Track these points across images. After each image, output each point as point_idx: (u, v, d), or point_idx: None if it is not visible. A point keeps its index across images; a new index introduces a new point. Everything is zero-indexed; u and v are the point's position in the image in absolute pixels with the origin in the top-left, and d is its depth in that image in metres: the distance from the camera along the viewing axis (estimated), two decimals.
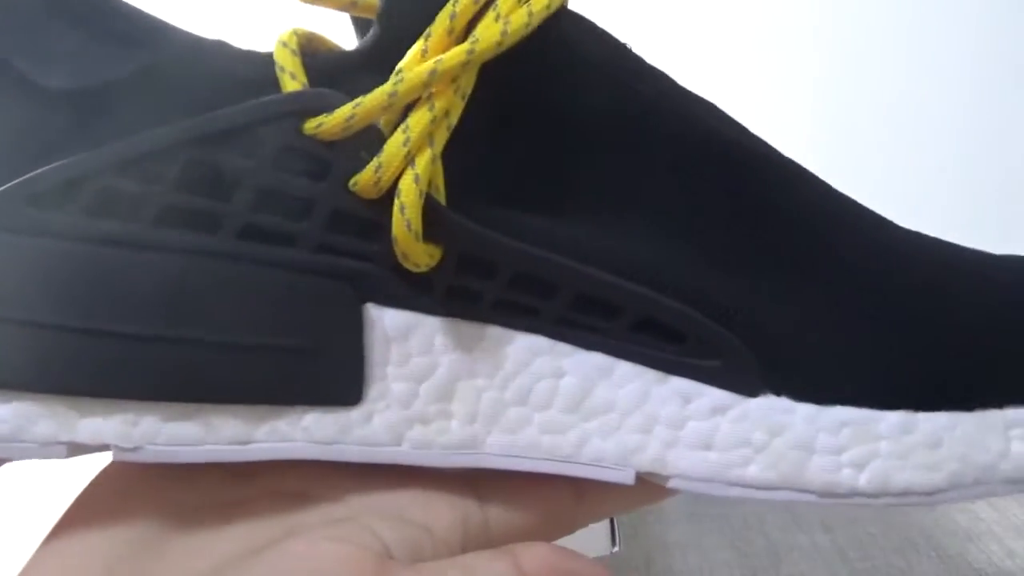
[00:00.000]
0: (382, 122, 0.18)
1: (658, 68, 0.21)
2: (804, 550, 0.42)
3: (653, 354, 0.19)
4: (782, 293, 0.19)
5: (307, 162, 0.18)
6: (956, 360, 0.19)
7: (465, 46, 0.18)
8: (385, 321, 0.19)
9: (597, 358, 0.19)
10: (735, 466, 0.19)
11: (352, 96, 0.18)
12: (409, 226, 0.17)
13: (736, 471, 0.19)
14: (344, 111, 0.17)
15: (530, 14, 0.18)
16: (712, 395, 0.19)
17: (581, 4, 0.21)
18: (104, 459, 0.19)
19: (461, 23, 0.18)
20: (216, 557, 0.17)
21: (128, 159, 0.17)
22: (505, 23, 0.18)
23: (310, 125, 0.18)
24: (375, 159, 0.18)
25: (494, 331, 0.19)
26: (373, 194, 0.18)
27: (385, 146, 0.18)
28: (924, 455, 0.18)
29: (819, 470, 0.18)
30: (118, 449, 0.17)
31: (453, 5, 0.18)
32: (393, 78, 0.18)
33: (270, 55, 0.19)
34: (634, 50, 0.21)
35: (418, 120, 0.18)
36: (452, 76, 0.18)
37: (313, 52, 0.20)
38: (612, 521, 0.48)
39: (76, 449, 0.17)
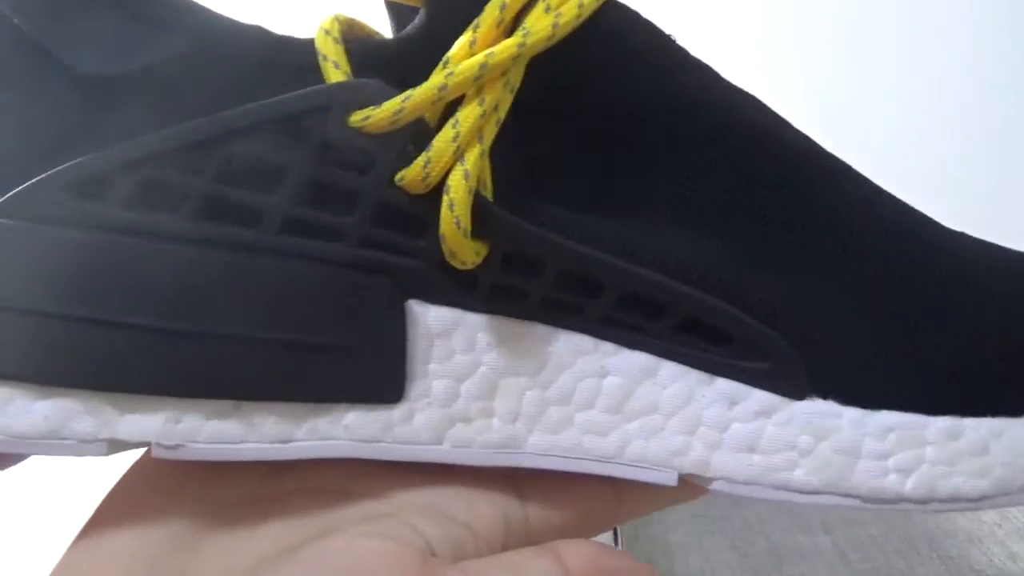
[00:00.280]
0: (428, 115, 0.18)
1: (702, 60, 0.21)
2: (805, 552, 0.42)
3: (698, 355, 0.19)
4: (828, 294, 0.19)
5: (352, 155, 0.17)
6: (1004, 365, 0.19)
7: (516, 39, 0.17)
8: (428, 318, 0.18)
9: (641, 358, 0.19)
10: (780, 470, 0.18)
11: (398, 87, 0.17)
12: (458, 223, 0.17)
13: (781, 475, 0.18)
14: (393, 104, 0.17)
15: (580, 5, 0.18)
16: (758, 397, 0.19)
17: None
18: (132, 456, 0.19)
19: (510, 14, 0.18)
20: (254, 555, 0.17)
21: (168, 150, 0.17)
22: (556, 15, 0.17)
23: (356, 117, 0.17)
24: (424, 154, 0.17)
25: (538, 329, 0.19)
26: (420, 189, 0.17)
27: (434, 141, 0.17)
28: (971, 461, 0.18)
29: (865, 475, 0.18)
30: (159, 447, 0.17)
31: None
32: (443, 71, 0.17)
33: (310, 42, 0.19)
34: (678, 42, 0.21)
35: (468, 114, 0.17)
36: (502, 70, 0.17)
37: (354, 39, 0.19)
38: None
39: (116, 446, 0.17)
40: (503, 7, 0.17)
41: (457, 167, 0.17)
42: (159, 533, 0.17)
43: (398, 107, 0.17)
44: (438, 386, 0.18)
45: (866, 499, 0.18)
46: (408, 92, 0.17)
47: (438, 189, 0.17)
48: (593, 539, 0.19)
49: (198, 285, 0.17)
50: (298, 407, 0.18)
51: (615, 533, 0.46)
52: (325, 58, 0.18)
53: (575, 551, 0.17)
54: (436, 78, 0.17)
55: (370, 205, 0.18)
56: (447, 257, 0.17)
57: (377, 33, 0.21)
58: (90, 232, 0.17)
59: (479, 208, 0.17)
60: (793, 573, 0.42)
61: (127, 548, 0.17)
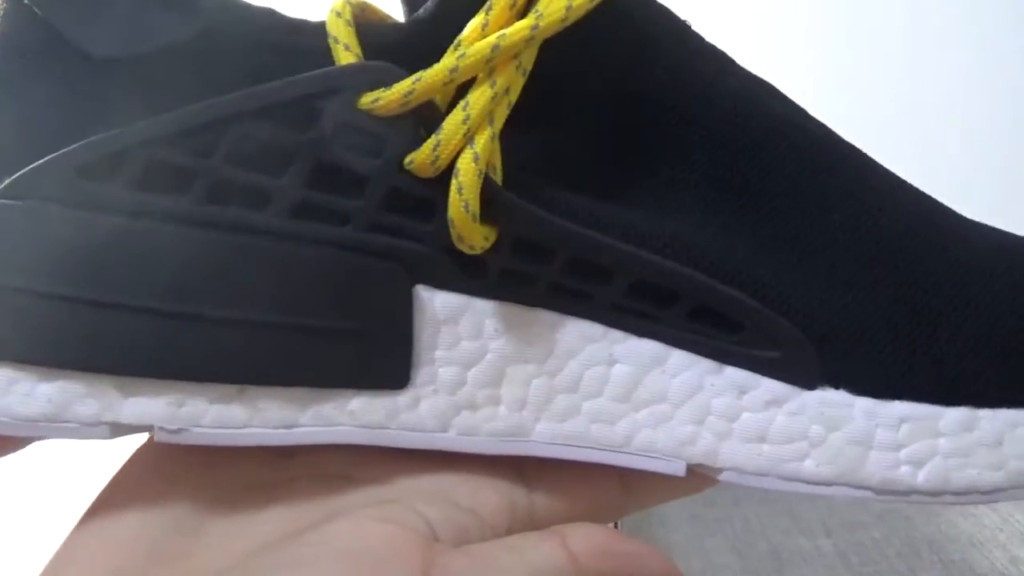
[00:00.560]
0: (438, 98, 0.18)
1: (718, 47, 0.21)
2: (806, 554, 0.42)
3: (708, 343, 0.18)
4: (842, 282, 0.19)
5: (362, 138, 0.17)
6: (1020, 355, 0.18)
7: (529, 21, 0.17)
8: (435, 304, 0.18)
9: (650, 346, 0.19)
10: (790, 460, 0.18)
11: (409, 70, 0.17)
12: (467, 207, 0.17)
13: (791, 465, 0.18)
14: (403, 86, 0.17)
15: None
16: (768, 386, 0.18)
17: None
18: (135, 442, 0.19)
19: None
20: (257, 539, 0.17)
21: (179, 131, 0.17)
22: None
23: (366, 100, 0.17)
24: (433, 136, 0.17)
25: (546, 316, 0.19)
26: (430, 172, 0.17)
27: (444, 123, 0.17)
28: (985, 453, 0.18)
29: (877, 466, 0.18)
30: (162, 431, 0.17)
31: None
32: (454, 53, 0.17)
33: (322, 25, 0.18)
34: (693, 28, 0.21)
35: (479, 97, 0.17)
36: (514, 52, 0.17)
37: (366, 22, 0.19)
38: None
39: (118, 430, 0.17)
40: None
41: (467, 150, 0.17)
42: (161, 517, 0.17)
43: (408, 89, 0.17)
44: (444, 373, 0.18)
45: (878, 491, 0.18)
46: (419, 74, 0.17)
47: (447, 173, 0.17)
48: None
49: (205, 268, 0.17)
50: (303, 392, 0.17)
51: None
52: (336, 40, 0.18)
53: (581, 534, 0.17)
54: (447, 60, 0.17)
55: (379, 189, 0.17)
56: (455, 241, 0.17)
57: (389, 17, 0.20)
58: (99, 213, 0.17)
59: (488, 192, 0.17)
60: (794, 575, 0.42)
61: (129, 531, 0.17)
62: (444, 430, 0.18)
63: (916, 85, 0.55)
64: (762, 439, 0.18)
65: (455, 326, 0.18)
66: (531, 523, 0.19)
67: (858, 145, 0.21)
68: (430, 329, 0.18)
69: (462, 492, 0.18)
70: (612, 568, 0.17)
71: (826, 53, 0.55)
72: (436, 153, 0.17)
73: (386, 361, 0.18)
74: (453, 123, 0.17)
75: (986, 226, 0.20)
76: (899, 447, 0.18)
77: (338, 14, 0.18)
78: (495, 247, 0.18)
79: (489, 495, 0.18)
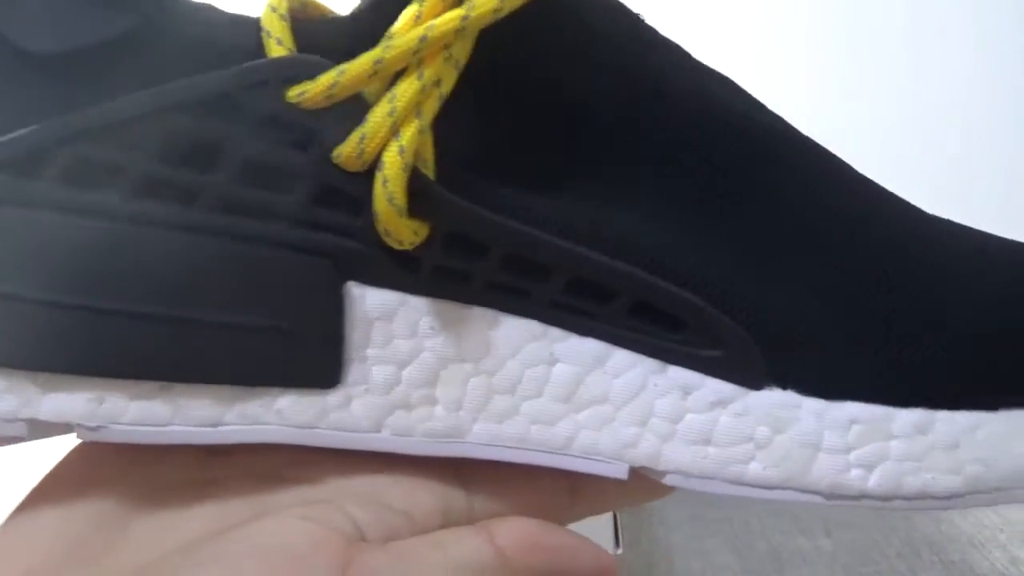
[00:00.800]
0: (370, 91, 0.17)
1: (672, 40, 0.20)
2: (806, 554, 0.41)
3: (651, 342, 0.18)
4: (791, 279, 0.18)
5: (291, 132, 0.17)
6: (982, 354, 0.18)
7: (459, 11, 0.17)
8: (367, 301, 0.18)
9: (592, 345, 0.18)
10: (735, 463, 0.17)
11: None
12: (392, 200, 0.16)
13: (736, 468, 0.17)
14: (327, 78, 0.17)
15: None
16: (713, 387, 0.18)
17: None
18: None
19: None
20: (183, 537, 0.16)
21: (104, 126, 0.17)
22: None
23: (293, 93, 0.17)
24: (359, 129, 0.17)
25: (484, 314, 0.18)
26: (357, 166, 0.17)
27: (369, 115, 0.17)
28: (941, 457, 0.17)
29: (826, 470, 0.17)
30: (81, 428, 0.17)
31: None
32: (382, 43, 0.17)
33: (258, 20, 0.18)
34: (646, 21, 0.20)
35: (405, 89, 0.17)
36: (444, 43, 0.17)
37: (306, 17, 0.19)
38: (615, 523, 0.47)
39: (37, 429, 0.17)
40: None
41: (392, 143, 0.17)
42: (87, 513, 0.17)
43: (332, 81, 0.17)
44: (377, 372, 0.18)
45: (827, 495, 0.17)
46: (343, 65, 0.17)
47: (376, 166, 0.17)
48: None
49: (131, 264, 0.17)
50: (228, 390, 0.17)
51: (616, 535, 0.45)
52: (269, 35, 0.18)
53: (509, 528, 0.17)
54: (374, 51, 0.17)
55: (309, 184, 0.17)
56: (383, 236, 0.17)
57: (332, 12, 0.20)
58: (25, 209, 0.17)
59: (418, 186, 0.17)
60: None
61: (50, 531, 0.16)
62: (377, 430, 0.18)
63: (916, 85, 0.54)
64: (707, 441, 0.18)
65: (388, 324, 0.18)
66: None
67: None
68: (362, 327, 0.18)
69: (396, 494, 0.18)
70: (542, 561, 0.17)
71: (826, 53, 0.55)
72: (362, 146, 0.17)
73: (315, 359, 0.17)
74: (378, 115, 0.17)
75: (954, 223, 0.20)
76: (849, 449, 0.17)
77: (273, 8, 0.18)
78: (428, 243, 0.17)
79: (424, 497, 0.18)
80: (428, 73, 0.17)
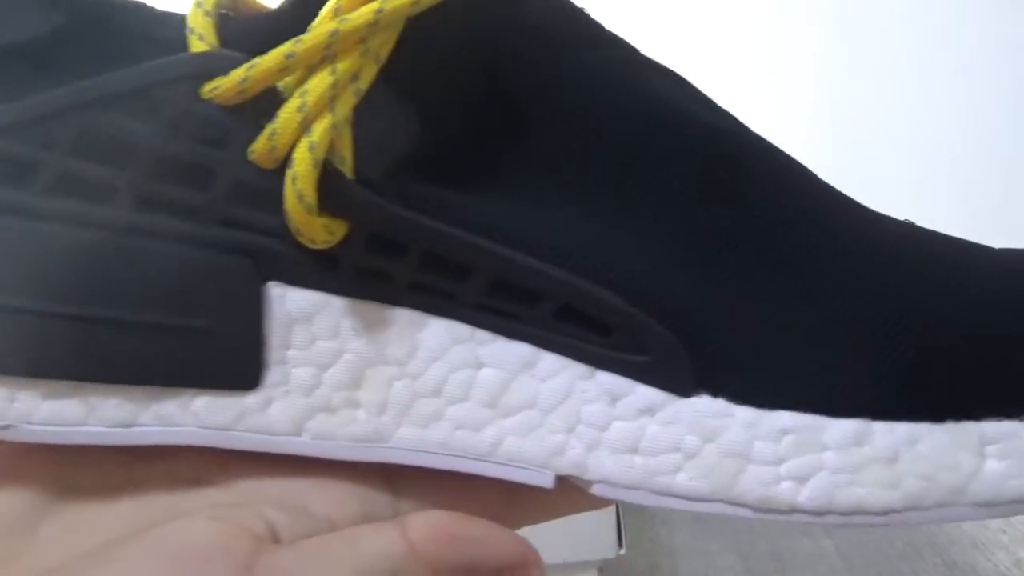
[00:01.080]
0: (287, 87, 0.17)
1: (618, 36, 0.19)
2: (808, 555, 0.41)
3: (579, 346, 0.17)
4: (724, 283, 0.17)
5: (207, 128, 0.17)
6: (927, 363, 0.17)
7: (375, 5, 0.16)
8: (288, 301, 0.17)
9: (520, 348, 0.17)
10: (662, 473, 0.17)
11: None
12: (301, 198, 0.16)
13: (663, 479, 0.17)
14: (238, 73, 0.16)
15: None
16: (641, 394, 0.17)
17: None
18: None
19: None
20: (96, 538, 0.16)
21: (20, 122, 0.16)
22: None
23: (207, 89, 0.17)
24: (269, 125, 0.16)
25: (408, 316, 0.18)
26: (269, 163, 0.17)
27: (279, 111, 0.16)
28: (878, 470, 0.16)
29: (755, 482, 0.16)
30: None
31: None
32: (296, 38, 0.16)
33: (185, 16, 0.18)
34: (590, 15, 0.19)
35: (317, 84, 0.16)
36: (359, 37, 0.16)
37: (236, 13, 0.19)
38: (619, 524, 0.46)
39: None
40: None
41: (303, 139, 0.16)
42: None
43: (243, 76, 0.16)
44: (298, 374, 0.17)
45: (756, 508, 0.16)
46: (254, 60, 0.16)
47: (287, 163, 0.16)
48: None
49: (45, 262, 0.17)
50: (142, 391, 0.17)
51: (619, 536, 0.45)
52: (192, 31, 0.18)
53: (421, 520, 0.16)
54: (285, 46, 0.16)
55: (226, 181, 0.17)
56: (295, 235, 0.17)
57: (267, 9, 0.20)
58: None
59: (332, 183, 0.16)
60: None
61: None
62: (297, 433, 0.18)
63: (916, 85, 0.52)
64: (634, 450, 0.17)
65: (309, 325, 0.17)
66: None
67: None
68: (283, 328, 0.17)
69: (317, 497, 0.17)
70: (455, 553, 0.16)
71: (826, 53, 0.53)
72: (272, 143, 0.16)
73: (233, 360, 0.17)
74: (288, 111, 0.16)
75: (909, 225, 0.19)
76: (780, 461, 0.16)
77: (199, 4, 0.18)
78: (347, 242, 0.17)
79: (348, 501, 0.18)
80: (342, 67, 0.16)
